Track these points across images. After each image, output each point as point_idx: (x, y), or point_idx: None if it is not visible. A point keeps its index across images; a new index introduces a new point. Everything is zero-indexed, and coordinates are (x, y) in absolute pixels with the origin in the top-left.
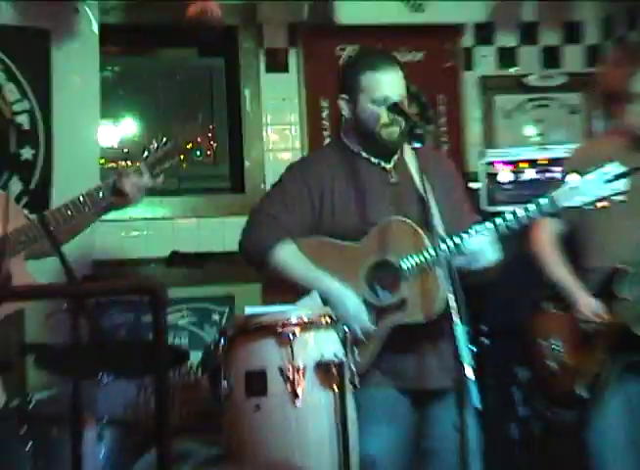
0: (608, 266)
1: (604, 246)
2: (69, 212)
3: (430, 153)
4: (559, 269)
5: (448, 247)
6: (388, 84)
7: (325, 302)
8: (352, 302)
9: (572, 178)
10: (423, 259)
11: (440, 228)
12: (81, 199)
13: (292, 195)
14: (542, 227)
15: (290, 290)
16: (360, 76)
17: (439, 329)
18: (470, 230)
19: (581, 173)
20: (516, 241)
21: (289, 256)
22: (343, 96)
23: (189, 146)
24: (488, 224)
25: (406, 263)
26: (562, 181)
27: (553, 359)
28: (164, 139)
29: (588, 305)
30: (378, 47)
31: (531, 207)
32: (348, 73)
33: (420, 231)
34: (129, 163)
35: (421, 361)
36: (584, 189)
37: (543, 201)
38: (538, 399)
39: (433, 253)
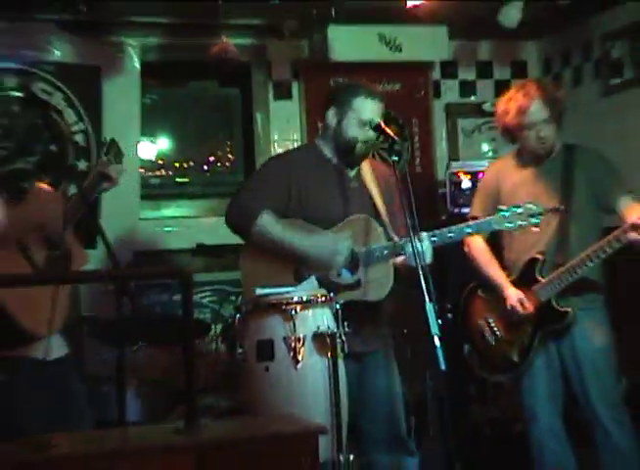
0: (528, 257)
1: (520, 240)
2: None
3: (381, 168)
4: (489, 268)
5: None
6: (374, 110)
7: (320, 283)
8: (330, 243)
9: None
10: (381, 250)
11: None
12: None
13: (270, 179)
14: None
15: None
16: (354, 98)
17: (379, 309)
18: (420, 235)
19: (508, 209)
20: None
21: (270, 223)
22: (333, 109)
23: (211, 158)
24: (431, 235)
25: (365, 252)
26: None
27: (490, 334)
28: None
29: (514, 296)
30: (364, 80)
31: (469, 229)
32: (343, 94)
33: (379, 229)
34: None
35: (361, 332)
36: (513, 219)
37: (481, 225)
38: (483, 367)
39: (393, 244)
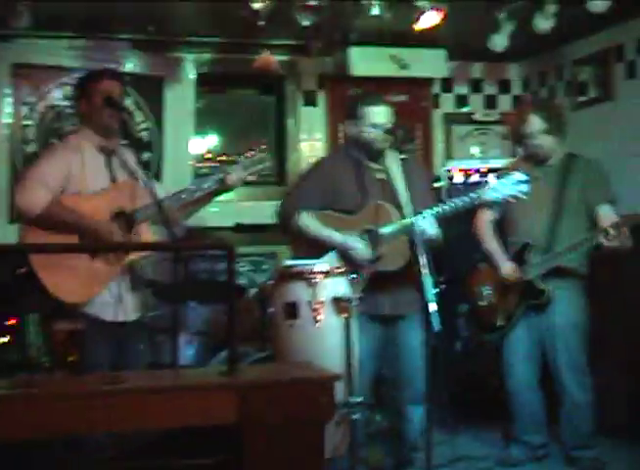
0: (521, 241)
1: (519, 227)
2: (183, 196)
3: (407, 160)
4: (490, 244)
5: (410, 223)
6: (382, 114)
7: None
8: (354, 241)
9: (492, 181)
10: (394, 230)
11: (409, 210)
12: (192, 187)
13: (311, 181)
14: (481, 214)
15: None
16: (365, 107)
17: (404, 277)
18: (422, 214)
19: (497, 178)
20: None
21: (307, 220)
22: (351, 119)
23: (250, 150)
24: (433, 210)
25: (383, 231)
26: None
27: (484, 300)
28: (258, 149)
29: (508, 267)
30: (374, 91)
31: (465, 199)
32: (356, 105)
33: (393, 211)
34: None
35: (389, 297)
36: (499, 189)
37: (472, 196)
38: (473, 327)
39: (404, 224)
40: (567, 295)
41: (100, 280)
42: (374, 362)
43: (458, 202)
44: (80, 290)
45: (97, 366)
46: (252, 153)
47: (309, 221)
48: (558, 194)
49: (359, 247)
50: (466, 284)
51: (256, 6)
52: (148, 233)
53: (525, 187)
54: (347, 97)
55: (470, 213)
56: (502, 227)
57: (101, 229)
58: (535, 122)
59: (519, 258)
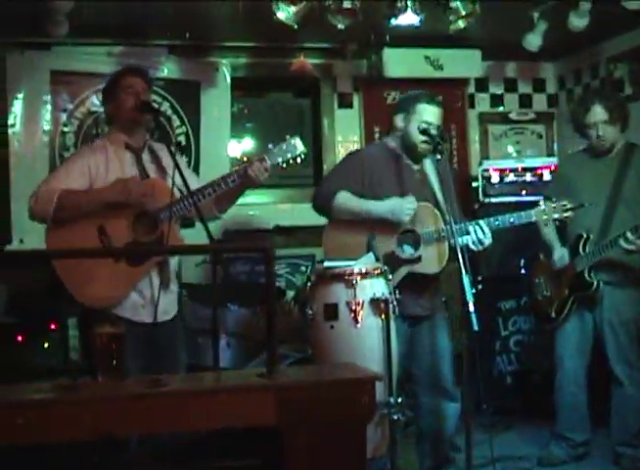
0: (577, 233)
1: (577, 218)
2: (208, 190)
3: (441, 161)
4: (547, 233)
5: (456, 229)
6: (434, 114)
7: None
8: (397, 203)
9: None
10: (436, 232)
11: (447, 215)
12: (217, 180)
13: (347, 168)
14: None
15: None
16: (417, 104)
17: (433, 280)
18: (477, 223)
19: (546, 204)
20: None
21: (346, 198)
22: (401, 114)
23: (303, 155)
24: (489, 221)
25: (425, 233)
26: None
27: (538, 292)
28: (289, 136)
29: (558, 255)
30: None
31: (514, 217)
32: (409, 100)
33: (438, 213)
34: None
35: (416, 298)
36: (548, 212)
37: (524, 215)
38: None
39: (442, 229)
40: (618, 289)
41: (124, 282)
42: (401, 362)
43: (510, 217)
44: (104, 294)
45: (132, 369)
46: (282, 143)
47: (349, 198)
48: (615, 185)
49: (403, 205)
50: (529, 275)
51: (292, 10)
52: (174, 232)
53: (572, 214)
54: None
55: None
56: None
57: (128, 189)
58: (598, 112)
59: (573, 249)
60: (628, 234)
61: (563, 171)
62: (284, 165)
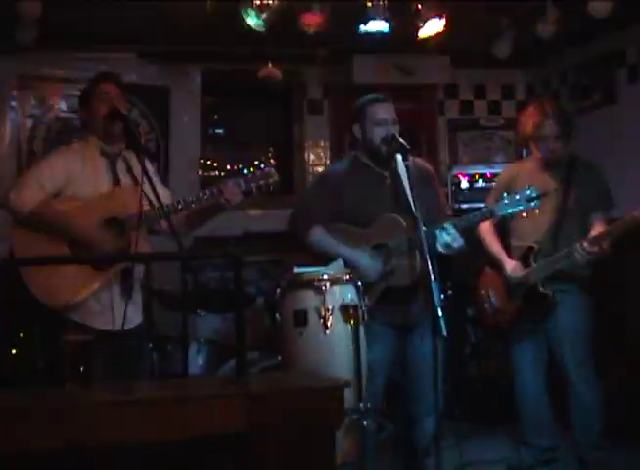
0: (525, 244)
1: (523, 230)
2: (179, 205)
3: (417, 163)
4: (494, 246)
5: (425, 235)
6: (384, 109)
7: (346, 264)
8: (365, 259)
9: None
10: (406, 244)
11: (419, 220)
12: (190, 198)
13: (319, 194)
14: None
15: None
16: (365, 106)
17: (414, 289)
18: (443, 227)
19: (509, 192)
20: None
21: (318, 237)
22: (356, 124)
23: (256, 161)
24: (454, 223)
25: (395, 245)
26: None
27: (488, 304)
28: (263, 165)
29: (513, 267)
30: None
31: (478, 214)
32: (358, 109)
33: (405, 225)
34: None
35: (403, 306)
36: (511, 204)
37: (486, 210)
38: (479, 331)
39: (412, 239)
40: (570, 298)
41: (86, 285)
42: (386, 370)
43: (474, 216)
44: (63, 292)
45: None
46: (257, 171)
47: (321, 237)
48: (561, 197)
49: (364, 264)
50: (472, 288)
51: (262, 16)
52: (141, 241)
53: (537, 203)
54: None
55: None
56: (502, 233)
57: (94, 240)
58: (551, 126)
59: (523, 261)
60: (585, 244)
61: (509, 177)
62: (258, 191)
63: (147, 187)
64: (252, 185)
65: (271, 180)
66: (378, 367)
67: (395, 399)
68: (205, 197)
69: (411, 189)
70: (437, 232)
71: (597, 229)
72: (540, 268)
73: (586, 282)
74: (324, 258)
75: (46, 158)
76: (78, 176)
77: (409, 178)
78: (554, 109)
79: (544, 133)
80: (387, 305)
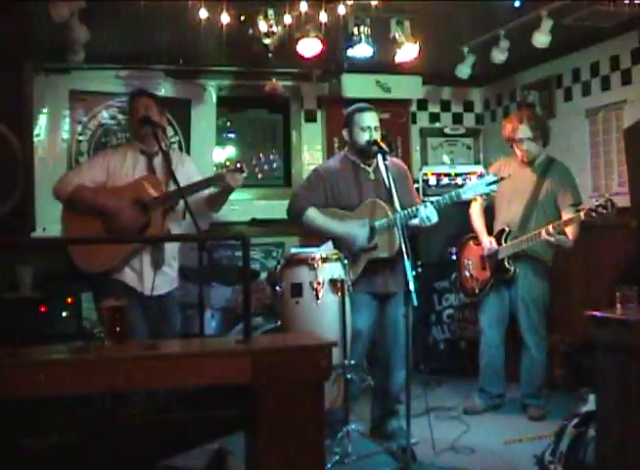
0: (500, 227)
1: (501, 215)
2: (195, 188)
3: (394, 162)
4: (477, 224)
5: (404, 215)
6: (370, 117)
7: (337, 240)
8: (354, 228)
9: (469, 182)
10: (386, 223)
11: (398, 205)
12: (200, 181)
13: (312, 185)
14: (474, 202)
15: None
16: (353, 115)
17: (394, 262)
18: (424, 204)
19: (472, 183)
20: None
21: (314, 216)
22: (345, 128)
23: (262, 160)
24: (431, 202)
25: (377, 224)
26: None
27: (467, 271)
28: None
29: (486, 242)
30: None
31: (448, 195)
32: (348, 116)
33: (386, 207)
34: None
35: (383, 278)
36: (474, 188)
37: (454, 193)
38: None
39: (391, 219)
40: (530, 274)
41: (117, 253)
42: (370, 332)
43: (444, 197)
44: (102, 262)
45: (139, 330)
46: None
47: (316, 216)
48: (534, 191)
49: (354, 231)
50: (459, 256)
51: (267, 41)
52: (160, 219)
53: (495, 186)
54: (342, 115)
55: (442, 209)
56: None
57: (122, 215)
58: (525, 131)
59: (497, 240)
60: (550, 228)
61: (498, 167)
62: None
63: (173, 178)
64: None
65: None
66: (363, 330)
67: (375, 356)
68: (211, 181)
69: (392, 181)
70: (421, 208)
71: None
72: (508, 247)
73: (545, 263)
74: (318, 234)
75: (90, 158)
76: (118, 171)
77: (388, 173)
78: (529, 116)
79: (519, 136)
80: (370, 277)
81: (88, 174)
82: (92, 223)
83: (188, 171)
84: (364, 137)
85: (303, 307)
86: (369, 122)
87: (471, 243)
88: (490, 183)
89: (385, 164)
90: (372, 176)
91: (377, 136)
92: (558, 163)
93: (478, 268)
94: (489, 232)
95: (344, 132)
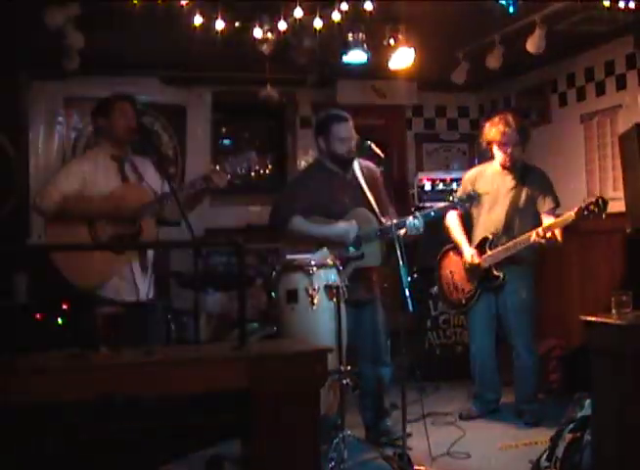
0: (481, 235)
1: (481, 222)
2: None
3: (368, 166)
4: (456, 234)
5: (395, 228)
6: (345, 129)
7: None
8: (343, 225)
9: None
10: (373, 231)
11: (377, 211)
12: (186, 183)
13: (294, 192)
14: (450, 212)
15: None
16: (330, 125)
17: (378, 270)
18: (414, 215)
19: (474, 187)
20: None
21: (299, 223)
22: (320, 137)
23: (256, 167)
24: (420, 215)
25: (365, 233)
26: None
27: (450, 282)
28: (247, 152)
29: (469, 254)
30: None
31: (432, 212)
32: (322, 124)
33: (371, 216)
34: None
35: (363, 286)
36: (457, 204)
37: (439, 209)
38: (442, 303)
39: (378, 229)
40: (517, 277)
41: (108, 267)
42: (348, 337)
43: (429, 211)
44: (94, 275)
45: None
46: (238, 156)
47: (302, 222)
48: (514, 197)
49: (343, 228)
50: (438, 268)
51: (262, 48)
52: (150, 227)
53: (471, 202)
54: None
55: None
56: (469, 222)
57: (123, 207)
58: (511, 135)
59: (479, 248)
60: (540, 231)
61: (474, 175)
62: (242, 173)
63: (146, 184)
64: (236, 168)
65: (252, 164)
66: (349, 333)
67: (355, 361)
68: (198, 183)
69: (369, 186)
70: (410, 218)
71: (546, 222)
72: (494, 255)
73: (532, 267)
74: (304, 240)
75: (64, 167)
76: (92, 178)
77: (364, 178)
78: (515, 120)
79: (505, 140)
80: (355, 284)
81: (65, 185)
82: (78, 233)
83: (153, 175)
84: (342, 149)
85: (299, 313)
86: (346, 134)
87: (451, 254)
88: (475, 198)
89: (360, 169)
90: (350, 184)
91: (353, 146)
92: (535, 168)
93: (462, 279)
94: (469, 240)
95: (320, 139)
